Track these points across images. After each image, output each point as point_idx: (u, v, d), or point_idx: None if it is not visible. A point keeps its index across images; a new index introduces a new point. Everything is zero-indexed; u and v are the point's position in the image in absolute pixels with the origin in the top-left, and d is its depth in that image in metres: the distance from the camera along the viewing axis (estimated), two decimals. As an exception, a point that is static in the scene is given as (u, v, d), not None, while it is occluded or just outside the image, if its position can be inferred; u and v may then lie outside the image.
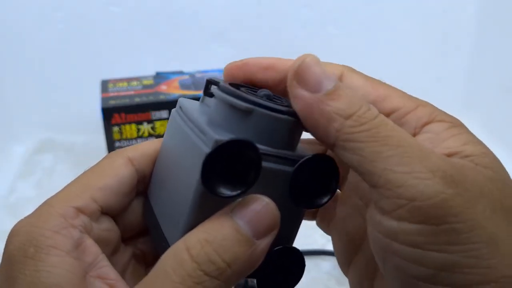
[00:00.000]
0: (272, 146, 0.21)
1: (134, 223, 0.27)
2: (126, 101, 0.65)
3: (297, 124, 0.22)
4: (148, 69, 0.77)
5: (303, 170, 0.21)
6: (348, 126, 0.20)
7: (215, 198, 0.20)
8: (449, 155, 0.21)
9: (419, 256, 0.19)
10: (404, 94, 0.24)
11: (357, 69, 0.27)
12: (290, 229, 0.24)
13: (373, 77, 0.26)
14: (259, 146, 0.20)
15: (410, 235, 0.19)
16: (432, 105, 0.23)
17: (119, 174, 0.25)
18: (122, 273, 0.26)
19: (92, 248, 0.22)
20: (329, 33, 0.89)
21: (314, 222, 0.30)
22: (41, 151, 0.80)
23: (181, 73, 0.77)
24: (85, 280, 0.21)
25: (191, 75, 0.77)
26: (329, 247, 0.57)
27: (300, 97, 0.21)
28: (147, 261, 0.28)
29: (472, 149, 0.21)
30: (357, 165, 0.20)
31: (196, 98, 0.26)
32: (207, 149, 0.20)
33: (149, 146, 0.27)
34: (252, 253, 0.20)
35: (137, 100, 0.65)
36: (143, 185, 0.27)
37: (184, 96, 0.34)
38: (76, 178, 0.25)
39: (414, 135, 0.22)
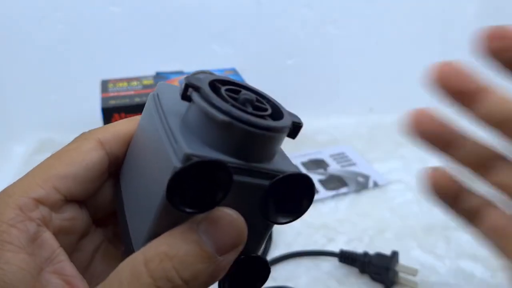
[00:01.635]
0: (247, 160, 0.20)
1: (106, 205, 0.26)
2: (126, 101, 0.65)
3: (278, 137, 0.21)
4: (148, 69, 0.77)
5: (277, 187, 0.21)
6: None
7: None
8: None
9: None
10: None
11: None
12: (257, 239, 0.23)
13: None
14: (233, 160, 0.20)
15: None
16: None
17: (86, 160, 0.24)
18: (93, 254, 0.25)
19: (49, 242, 0.22)
20: (329, 33, 0.89)
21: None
22: (41, 151, 0.80)
23: (181, 73, 0.77)
24: (40, 277, 0.20)
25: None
26: (329, 247, 0.57)
27: None
28: (119, 240, 0.27)
29: None
30: None
31: None
32: (176, 162, 0.19)
33: (122, 127, 0.25)
34: (213, 270, 0.20)
35: (137, 100, 0.65)
36: (116, 166, 0.26)
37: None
38: (40, 164, 0.24)
39: None
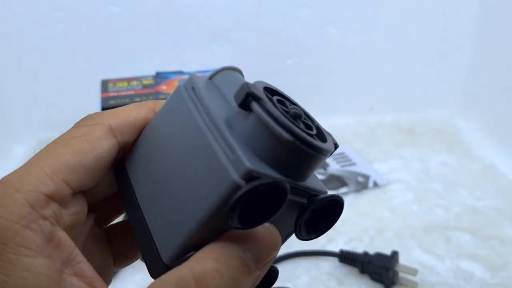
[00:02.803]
0: (296, 178, 0.21)
1: (102, 191, 0.24)
2: (126, 101, 0.65)
3: (325, 159, 0.22)
4: (148, 69, 0.77)
5: (317, 208, 0.22)
6: None
7: (224, 222, 0.19)
8: None
9: None
10: None
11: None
12: None
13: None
14: (285, 178, 0.20)
15: None
16: None
17: (97, 149, 0.22)
18: (86, 239, 0.24)
19: (66, 242, 0.20)
20: (329, 33, 0.89)
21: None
22: (41, 151, 0.80)
23: (181, 73, 0.77)
24: (62, 281, 0.19)
25: (191, 75, 0.77)
26: (329, 247, 0.57)
27: None
28: (106, 222, 0.26)
29: None
30: None
31: None
32: (236, 177, 0.18)
33: (133, 113, 0.24)
34: (252, 285, 0.20)
35: (137, 100, 0.65)
36: (122, 153, 0.24)
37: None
38: (45, 149, 0.21)
39: None
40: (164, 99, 0.24)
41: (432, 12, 0.90)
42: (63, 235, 0.20)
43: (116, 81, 0.73)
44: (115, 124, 0.23)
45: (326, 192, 0.22)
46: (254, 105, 0.20)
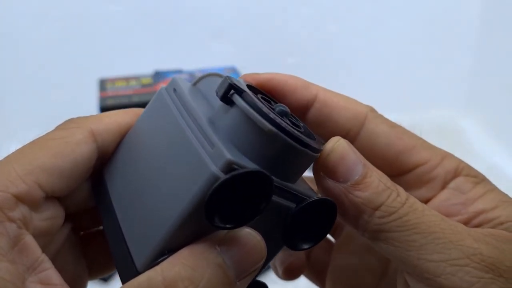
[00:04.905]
0: (281, 177, 0.19)
1: (81, 201, 0.23)
2: (125, 101, 0.64)
3: (313, 158, 0.20)
4: (147, 68, 0.76)
5: (305, 211, 0.19)
6: (377, 217, 0.19)
7: (203, 221, 0.17)
8: (480, 224, 0.21)
9: None
10: (428, 144, 0.23)
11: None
12: (266, 261, 0.21)
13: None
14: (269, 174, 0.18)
15: None
16: (455, 156, 0.23)
17: (75, 153, 0.21)
18: (62, 245, 0.23)
19: (31, 247, 0.19)
20: (330, 31, 0.89)
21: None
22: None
23: (180, 71, 0.77)
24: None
25: (191, 73, 0.76)
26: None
27: (328, 189, 0.20)
28: (83, 229, 0.25)
29: (504, 213, 0.21)
30: (391, 254, 0.19)
31: None
32: (215, 169, 0.17)
33: (117, 118, 0.23)
34: None
35: (136, 99, 0.64)
36: (101, 161, 0.23)
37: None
38: (21, 149, 0.20)
39: (442, 189, 0.22)
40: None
41: (435, 11, 0.89)
42: (29, 240, 0.19)
43: (114, 80, 0.72)
44: (97, 129, 0.22)
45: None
46: (237, 98, 0.19)
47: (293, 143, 0.19)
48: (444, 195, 0.22)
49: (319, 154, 0.20)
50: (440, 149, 0.23)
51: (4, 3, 0.78)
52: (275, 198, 0.19)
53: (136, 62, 0.82)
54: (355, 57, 0.90)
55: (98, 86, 0.71)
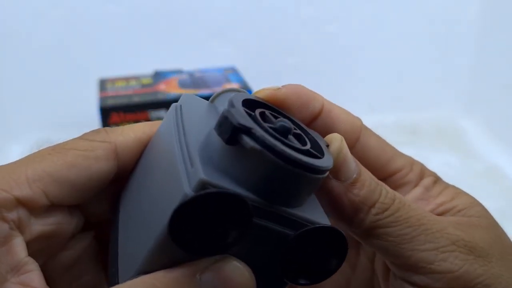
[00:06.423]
0: (272, 201, 0.17)
1: (103, 212, 0.23)
2: (125, 101, 0.64)
3: (314, 180, 0.18)
4: (147, 68, 0.76)
5: (304, 239, 0.17)
6: (373, 214, 0.20)
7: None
8: (443, 212, 0.23)
9: None
10: (400, 153, 0.25)
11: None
12: None
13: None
14: (255, 198, 0.16)
15: None
16: (418, 161, 0.26)
17: (92, 168, 0.21)
18: (80, 254, 0.23)
19: (17, 249, 0.19)
20: (330, 32, 0.88)
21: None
22: (38, 150, 0.80)
23: (180, 72, 0.77)
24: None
25: (191, 74, 0.76)
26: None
27: (331, 188, 0.20)
28: (107, 244, 0.25)
29: (461, 203, 0.23)
30: (383, 249, 0.20)
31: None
32: (187, 189, 0.16)
33: (143, 134, 0.22)
34: None
35: (136, 99, 0.64)
36: (123, 174, 0.22)
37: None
38: (40, 152, 0.21)
39: (413, 188, 0.25)
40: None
41: (434, 11, 0.89)
42: (18, 242, 0.19)
43: (114, 80, 0.72)
44: (121, 144, 0.22)
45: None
46: (245, 139, 0.17)
47: (280, 162, 0.16)
48: (414, 193, 0.24)
49: (326, 174, 0.18)
50: (407, 156, 0.26)
51: (4, 3, 0.78)
52: (266, 223, 0.17)
53: (136, 62, 0.82)
54: (355, 57, 0.90)
55: (98, 86, 0.71)
